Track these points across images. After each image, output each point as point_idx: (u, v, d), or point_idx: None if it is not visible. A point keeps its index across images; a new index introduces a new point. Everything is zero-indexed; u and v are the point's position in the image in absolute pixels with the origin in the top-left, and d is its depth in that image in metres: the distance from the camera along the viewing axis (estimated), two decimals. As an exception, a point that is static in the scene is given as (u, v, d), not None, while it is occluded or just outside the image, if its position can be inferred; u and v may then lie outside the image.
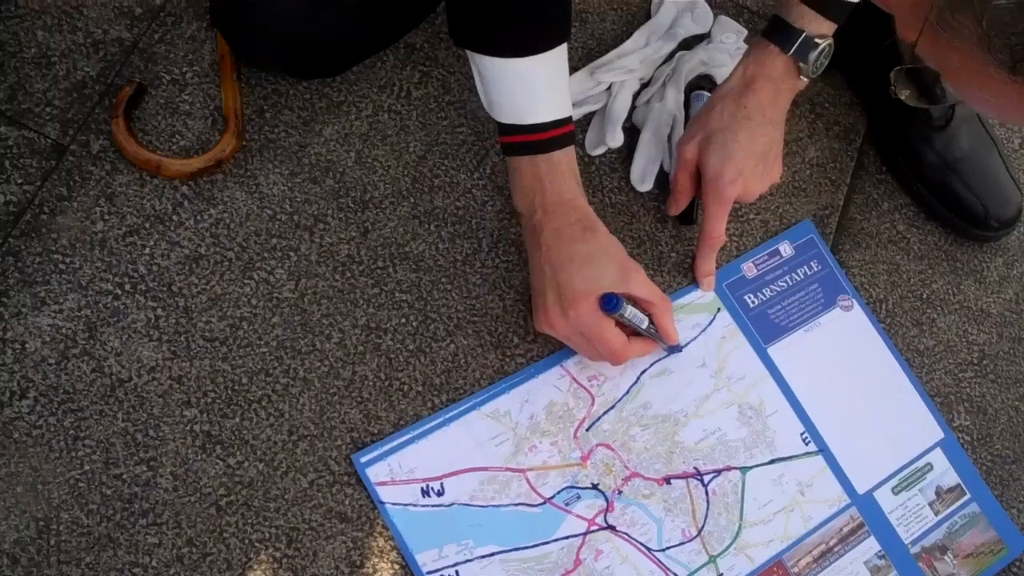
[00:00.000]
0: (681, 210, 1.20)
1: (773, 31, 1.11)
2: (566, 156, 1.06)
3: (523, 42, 1.00)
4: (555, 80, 1.04)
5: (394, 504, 1.04)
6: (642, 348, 1.11)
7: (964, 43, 0.56)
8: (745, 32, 1.32)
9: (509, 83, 1.02)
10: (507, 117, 1.04)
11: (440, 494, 1.05)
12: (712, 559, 1.10)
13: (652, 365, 1.15)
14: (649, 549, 1.09)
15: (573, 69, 1.26)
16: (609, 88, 1.25)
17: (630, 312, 1.05)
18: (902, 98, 0.88)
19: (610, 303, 1.02)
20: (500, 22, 1.00)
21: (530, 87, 1.02)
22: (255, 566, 1.00)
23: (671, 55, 1.29)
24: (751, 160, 1.12)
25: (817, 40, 1.09)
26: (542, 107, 1.03)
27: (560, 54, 1.03)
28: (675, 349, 1.16)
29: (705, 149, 1.13)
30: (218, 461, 1.03)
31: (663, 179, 1.23)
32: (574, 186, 1.07)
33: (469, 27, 1.01)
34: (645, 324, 1.07)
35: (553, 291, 1.04)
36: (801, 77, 1.12)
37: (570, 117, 1.06)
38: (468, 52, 1.03)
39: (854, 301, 1.25)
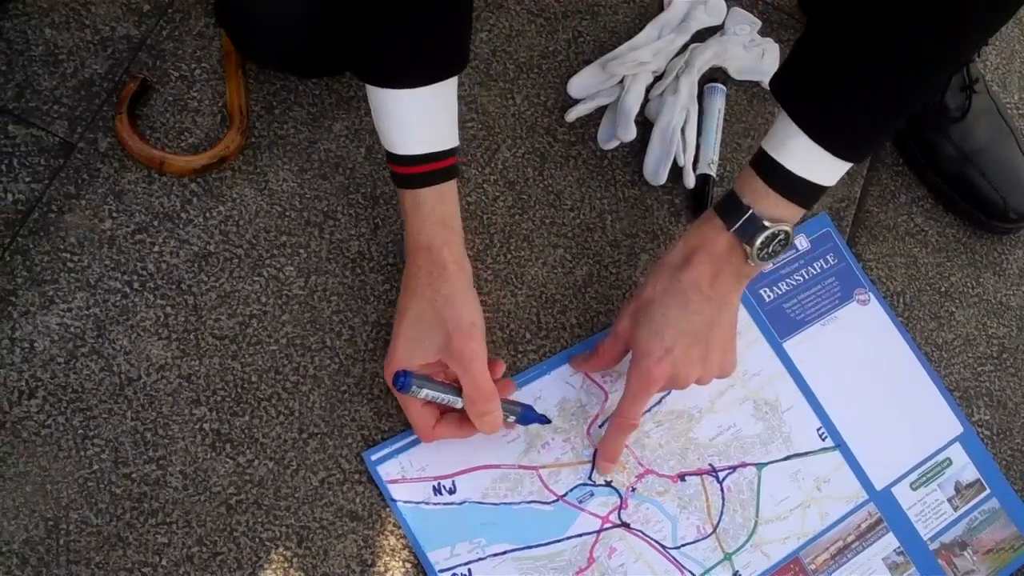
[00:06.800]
0: (594, 370, 1.12)
1: (722, 204, 0.98)
2: (435, 195, 0.97)
3: (376, 71, 0.92)
4: (431, 113, 0.95)
5: (406, 502, 1.03)
6: (454, 430, 1.02)
7: None
8: (759, 24, 1.30)
9: (376, 105, 0.94)
10: (382, 139, 0.97)
11: (452, 492, 1.05)
12: (728, 556, 1.09)
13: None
14: (663, 547, 1.08)
15: (586, 62, 1.25)
16: (621, 81, 1.24)
17: (427, 395, 0.97)
18: None
19: (397, 382, 0.96)
20: (366, 44, 0.92)
21: (392, 116, 0.94)
22: (266, 565, 1.00)
23: (684, 48, 1.28)
24: (683, 340, 0.99)
25: (766, 223, 0.94)
26: (412, 139, 0.95)
27: (426, 91, 0.93)
28: (536, 419, 1.06)
29: (635, 322, 1.02)
30: (228, 460, 1.02)
31: (676, 172, 1.22)
32: (437, 230, 0.98)
33: (350, 45, 0.94)
34: (459, 405, 0.99)
35: (390, 344, 1.00)
36: (749, 262, 0.97)
37: (450, 151, 0.97)
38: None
39: (871, 295, 1.23)
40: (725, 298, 1.00)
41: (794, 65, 0.94)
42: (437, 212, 0.98)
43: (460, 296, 0.98)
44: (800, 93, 0.92)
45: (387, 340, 1.08)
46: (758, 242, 0.95)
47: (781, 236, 0.96)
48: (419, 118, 0.94)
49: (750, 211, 0.95)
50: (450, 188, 0.99)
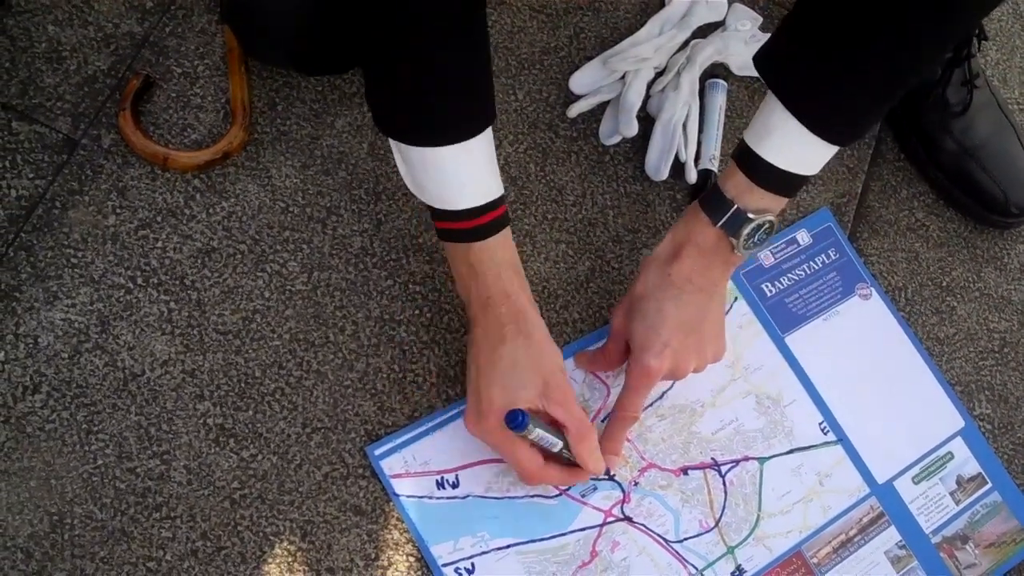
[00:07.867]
0: (599, 370, 1.13)
1: (707, 198, 1.00)
2: (502, 243, 0.98)
3: (440, 131, 0.91)
4: (482, 164, 0.95)
5: (409, 496, 1.03)
6: (561, 476, 1.02)
7: None
8: (760, 19, 1.31)
9: (433, 168, 0.93)
10: (436, 201, 0.96)
11: (455, 486, 1.05)
12: (730, 550, 1.09)
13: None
14: (666, 540, 1.08)
15: (587, 58, 1.26)
16: (623, 77, 1.24)
17: (537, 435, 0.96)
18: None
19: (514, 420, 0.94)
20: (416, 109, 0.91)
21: (455, 173, 0.93)
22: (270, 559, 1.00)
23: (685, 43, 1.28)
24: (679, 332, 1.01)
25: (751, 215, 0.97)
26: (470, 192, 0.94)
27: (483, 139, 0.93)
28: (604, 476, 1.08)
29: (630, 319, 1.04)
30: (232, 454, 1.02)
31: (678, 168, 1.22)
32: (511, 277, 0.98)
33: (385, 114, 0.94)
34: (557, 448, 0.99)
35: (475, 395, 0.98)
36: (736, 252, 0.99)
37: (501, 198, 0.97)
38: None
39: (872, 289, 1.24)
40: (714, 287, 1.03)
41: (781, 40, 0.94)
42: (510, 260, 0.99)
43: (548, 340, 1.00)
44: (786, 68, 0.92)
45: (389, 335, 1.09)
46: (744, 234, 0.97)
47: (766, 226, 0.98)
48: (478, 168, 0.95)
49: (735, 206, 0.96)
50: (509, 233, 0.99)
